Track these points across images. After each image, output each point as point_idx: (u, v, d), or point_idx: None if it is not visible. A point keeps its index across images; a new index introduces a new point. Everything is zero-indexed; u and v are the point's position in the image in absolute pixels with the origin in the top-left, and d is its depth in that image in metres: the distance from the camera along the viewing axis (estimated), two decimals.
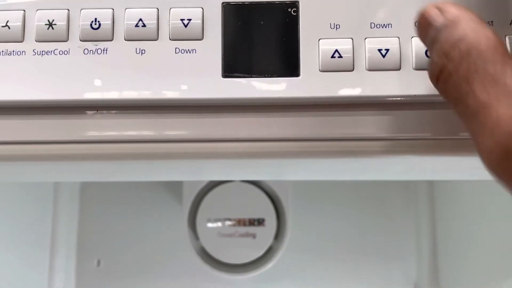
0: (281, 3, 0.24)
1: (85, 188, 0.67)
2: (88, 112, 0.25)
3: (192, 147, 0.25)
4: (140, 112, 0.25)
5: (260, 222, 0.63)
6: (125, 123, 0.25)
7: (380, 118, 0.25)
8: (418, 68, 0.23)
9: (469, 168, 0.30)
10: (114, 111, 0.25)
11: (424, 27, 0.21)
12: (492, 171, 0.18)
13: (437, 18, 0.20)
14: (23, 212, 0.60)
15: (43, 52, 0.24)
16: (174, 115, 0.25)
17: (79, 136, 0.25)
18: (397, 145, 0.25)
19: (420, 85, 0.23)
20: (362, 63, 0.24)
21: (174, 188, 0.66)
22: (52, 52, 0.24)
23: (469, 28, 0.19)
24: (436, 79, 0.20)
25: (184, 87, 0.24)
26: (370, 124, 0.25)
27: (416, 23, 0.22)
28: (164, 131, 0.25)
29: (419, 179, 0.61)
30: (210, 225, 0.63)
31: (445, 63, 0.19)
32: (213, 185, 0.64)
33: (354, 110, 0.25)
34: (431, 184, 0.64)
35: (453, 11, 0.20)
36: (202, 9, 0.24)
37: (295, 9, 0.24)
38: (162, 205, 0.66)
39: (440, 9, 0.20)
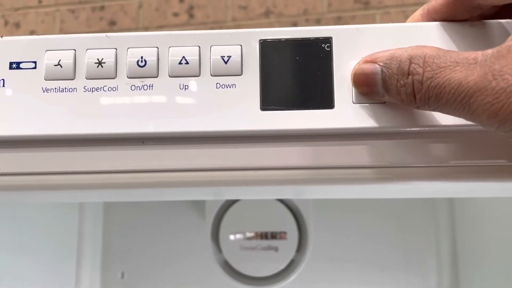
0: (315, 39, 0.26)
1: (110, 202, 0.69)
2: (135, 144, 0.26)
3: (229, 175, 0.27)
4: (183, 143, 0.26)
5: (282, 235, 0.64)
6: (169, 154, 0.26)
7: (412, 147, 0.26)
8: None
9: (495, 190, 0.31)
10: (159, 143, 0.26)
11: (369, 79, 0.24)
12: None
13: (377, 66, 0.23)
14: (50, 228, 0.62)
15: (93, 89, 0.26)
16: (213, 145, 0.26)
17: (127, 167, 0.26)
18: (427, 172, 0.27)
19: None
20: None
21: (197, 202, 0.67)
22: (102, 88, 0.26)
23: (407, 50, 0.23)
24: (413, 96, 0.22)
25: (224, 120, 0.25)
26: (403, 152, 0.26)
27: (356, 83, 0.25)
28: (204, 160, 0.27)
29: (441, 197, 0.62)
30: (232, 238, 0.65)
31: (411, 79, 0.22)
32: (235, 199, 0.66)
33: (386, 139, 0.26)
34: (450, 199, 0.64)
35: (383, 52, 0.24)
36: (241, 46, 0.26)
37: (328, 44, 0.26)
38: (185, 218, 0.68)
39: (372, 59, 0.24)
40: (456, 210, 0.63)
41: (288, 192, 0.34)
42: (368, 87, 0.24)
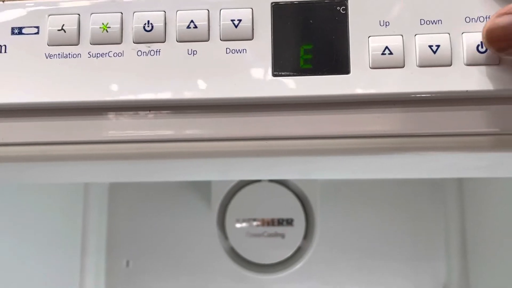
0: (330, 2, 0.24)
1: (114, 189, 0.68)
2: (141, 112, 0.25)
3: (239, 145, 0.26)
4: (192, 111, 0.25)
5: (288, 222, 0.63)
6: (177, 122, 0.25)
7: (429, 115, 0.25)
8: (469, 64, 0.23)
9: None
10: (166, 111, 0.25)
11: (508, 32, 0.21)
12: None
13: None
14: (54, 214, 0.61)
15: (98, 55, 0.25)
16: (223, 114, 0.25)
17: (133, 136, 0.25)
18: (442, 142, 0.25)
19: (472, 80, 0.23)
20: (412, 60, 0.24)
21: (203, 188, 0.66)
22: (107, 54, 0.25)
23: None
24: None
25: (235, 86, 0.24)
26: (420, 121, 0.25)
27: (490, 40, 0.22)
28: (213, 129, 0.26)
29: (449, 177, 0.60)
30: (239, 225, 0.64)
31: None
32: (241, 185, 0.65)
33: (404, 106, 0.25)
34: (459, 182, 0.63)
35: None
36: (252, 9, 0.25)
37: (343, 7, 0.24)
38: (191, 206, 0.67)
39: (508, 9, 0.21)
40: (465, 193, 0.62)
41: (298, 168, 0.33)
42: (507, 41, 0.22)
